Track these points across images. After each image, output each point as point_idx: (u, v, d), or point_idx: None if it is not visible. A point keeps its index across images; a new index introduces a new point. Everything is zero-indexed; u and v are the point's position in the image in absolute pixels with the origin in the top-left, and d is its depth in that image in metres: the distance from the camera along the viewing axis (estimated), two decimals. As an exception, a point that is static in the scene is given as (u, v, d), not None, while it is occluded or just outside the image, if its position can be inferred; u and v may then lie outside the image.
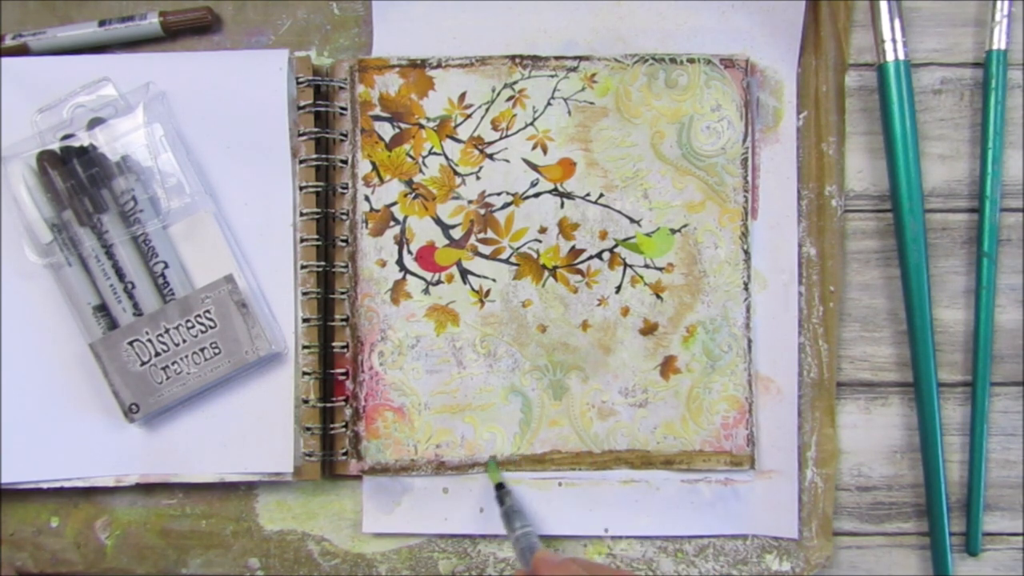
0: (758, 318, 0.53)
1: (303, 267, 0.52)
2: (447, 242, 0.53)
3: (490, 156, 0.53)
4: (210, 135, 0.52)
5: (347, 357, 0.53)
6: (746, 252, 0.53)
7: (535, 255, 0.53)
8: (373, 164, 0.53)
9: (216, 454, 0.51)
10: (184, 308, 0.50)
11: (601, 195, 0.53)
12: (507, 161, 0.53)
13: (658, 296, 0.53)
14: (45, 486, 0.52)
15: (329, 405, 0.52)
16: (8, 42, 0.53)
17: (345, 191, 0.53)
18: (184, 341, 0.50)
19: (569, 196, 0.53)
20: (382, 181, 0.53)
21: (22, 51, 0.53)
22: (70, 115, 0.51)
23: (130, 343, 0.50)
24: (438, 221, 0.53)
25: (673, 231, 0.53)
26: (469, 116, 0.53)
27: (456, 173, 0.53)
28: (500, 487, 0.51)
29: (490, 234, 0.53)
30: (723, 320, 0.53)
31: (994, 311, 0.52)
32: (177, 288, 0.51)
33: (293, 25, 0.54)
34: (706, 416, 0.52)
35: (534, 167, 0.53)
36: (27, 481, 0.52)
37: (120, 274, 0.50)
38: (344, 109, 0.53)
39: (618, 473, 0.52)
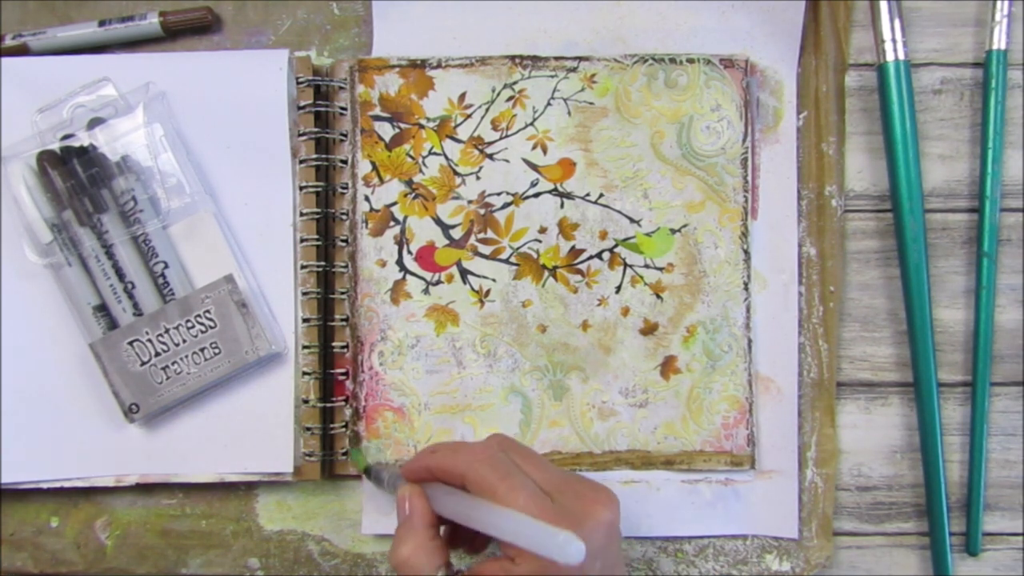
0: (758, 318, 0.53)
1: (303, 267, 0.52)
2: (447, 242, 0.53)
3: (490, 156, 0.53)
4: (210, 135, 0.52)
5: (347, 357, 0.53)
6: (746, 252, 0.53)
7: (535, 255, 0.53)
8: (373, 164, 0.53)
9: (216, 454, 0.51)
10: (184, 308, 0.50)
11: (601, 195, 0.53)
12: (507, 161, 0.53)
13: (658, 296, 0.53)
14: (45, 486, 0.52)
15: (329, 405, 0.52)
16: (8, 42, 0.53)
17: (345, 191, 0.53)
18: (184, 341, 0.50)
19: (569, 196, 0.53)
20: (382, 181, 0.53)
21: (22, 51, 0.53)
22: (70, 115, 0.51)
23: (130, 343, 0.50)
24: (438, 221, 0.53)
25: (673, 231, 0.53)
26: (469, 116, 0.53)
27: (456, 173, 0.53)
28: (367, 470, 0.51)
29: (490, 234, 0.53)
30: (723, 320, 0.53)
31: (994, 311, 0.52)
32: (177, 288, 0.51)
33: (293, 25, 0.54)
34: (706, 416, 0.52)
35: (534, 167, 0.53)
36: (27, 481, 0.52)
37: (120, 274, 0.50)
38: (344, 109, 0.53)
39: (618, 474, 0.52)
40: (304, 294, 0.52)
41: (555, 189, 0.53)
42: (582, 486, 0.41)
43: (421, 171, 0.53)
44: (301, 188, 0.52)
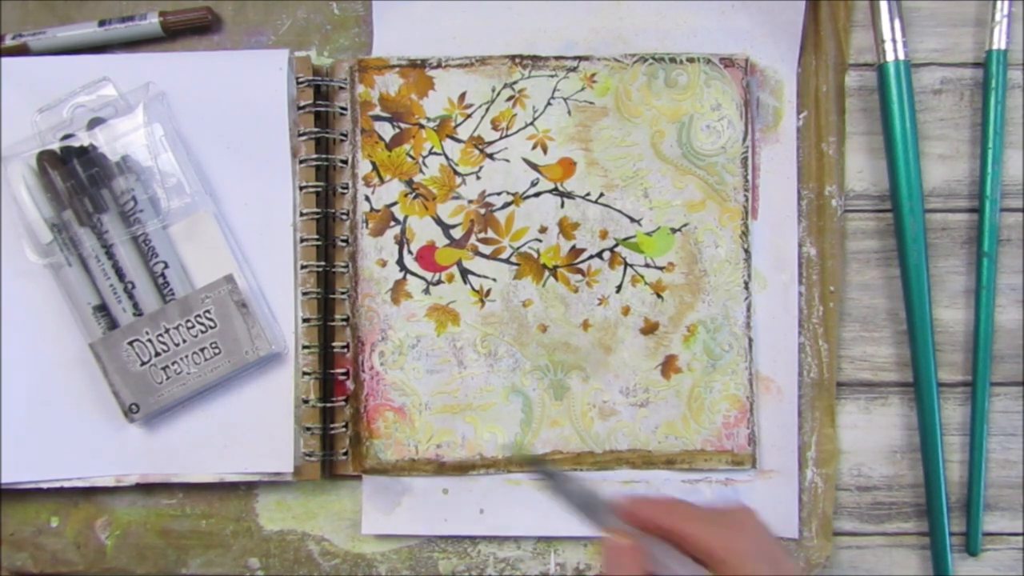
0: (758, 318, 0.53)
1: (303, 267, 0.52)
2: (447, 242, 0.53)
3: (490, 156, 0.53)
4: (210, 135, 0.52)
5: (347, 357, 0.53)
6: (746, 251, 0.53)
7: (535, 255, 0.53)
8: (373, 164, 0.53)
9: (216, 454, 0.51)
10: (184, 308, 0.50)
11: (601, 194, 0.53)
12: (507, 161, 0.53)
13: (659, 295, 0.53)
14: (45, 486, 0.52)
15: (329, 405, 0.52)
16: (8, 42, 0.53)
17: (345, 191, 0.53)
18: (184, 341, 0.50)
19: (569, 196, 0.53)
20: (382, 181, 0.53)
21: (22, 51, 0.53)
22: (70, 115, 0.51)
23: (130, 343, 0.50)
24: (438, 221, 0.53)
25: (673, 230, 0.53)
26: (469, 116, 0.53)
27: (456, 173, 0.53)
28: (536, 462, 0.48)
29: (490, 234, 0.53)
30: (724, 319, 0.52)
31: (994, 311, 0.52)
32: (177, 288, 0.51)
33: (293, 25, 0.54)
34: (707, 415, 0.52)
35: (534, 167, 0.53)
36: (27, 481, 0.52)
37: (120, 274, 0.50)
38: (344, 109, 0.53)
39: (619, 473, 0.52)
40: (304, 294, 0.52)
41: (555, 189, 0.53)
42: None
43: (421, 171, 0.53)
44: (301, 188, 0.52)
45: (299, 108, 0.52)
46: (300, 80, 0.52)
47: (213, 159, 0.52)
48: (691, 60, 0.53)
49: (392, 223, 0.53)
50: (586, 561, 0.53)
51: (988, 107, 0.52)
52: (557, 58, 0.53)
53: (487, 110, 0.53)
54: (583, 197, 0.53)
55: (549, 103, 0.53)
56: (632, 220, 0.53)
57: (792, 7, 0.52)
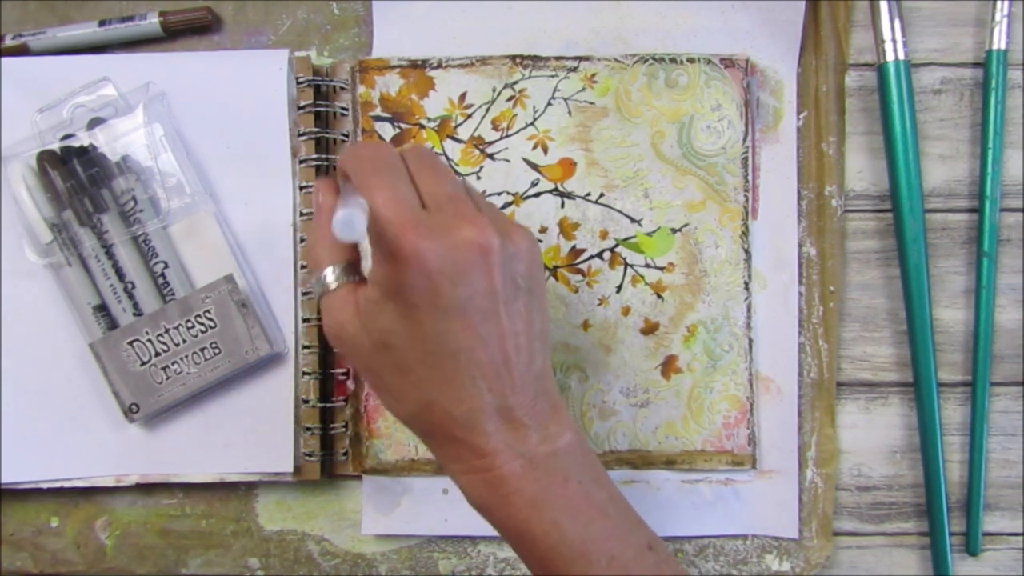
0: (758, 318, 0.53)
1: (303, 267, 0.52)
2: (447, 242, 0.53)
3: (491, 156, 0.53)
4: (210, 135, 0.52)
5: (347, 357, 0.53)
6: (747, 252, 0.53)
7: (535, 255, 0.53)
8: (373, 164, 0.53)
9: (216, 454, 0.51)
10: (184, 308, 0.50)
11: (601, 195, 0.53)
12: (508, 161, 0.53)
13: (659, 296, 0.53)
14: (45, 486, 0.52)
15: (329, 405, 0.52)
16: (8, 42, 0.53)
17: (345, 191, 0.53)
18: (184, 341, 0.50)
19: (570, 196, 0.53)
20: (382, 181, 0.53)
21: (22, 51, 0.53)
22: (70, 115, 0.51)
23: (130, 343, 0.50)
24: (438, 221, 0.53)
25: (674, 230, 0.53)
26: (469, 116, 0.53)
27: (457, 173, 0.53)
28: None
29: (490, 234, 0.53)
30: (724, 319, 0.52)
31: (994, 311, 0.52)
32: (177, 288, 0.51)
33: (293, 25, 0.54)
34: (707, 416, 0.52)
35: (535, 167, 0.53)
36: (27, 481, 0.52)
37: (120, 274, 0.50)
38: (345, 109, 0.53)
39: (619, 473, 0.52)
40: (304, 294, 0.52)
41: (556, 189, 0.53)
42: (467, 208, 0.35)
43: (421, 171, 0.53)
44: (301, 188, 0.52)
45: (299, 108, 0.52)
46: (300, 80, 0.52)
47: (213, 159, 0.52)
48: (691, 60, 0.53)
49: (392, 223, 0.53)
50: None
51: (988, 107, 0.52)
52: (557, 58, 0.53)
53: (487, 110, 0.53)
54: (583, 197, 0.53)
55: (549, 103, 0.53)
56: (632, 220, 0.53)
57: (792, 7, 0.52)
